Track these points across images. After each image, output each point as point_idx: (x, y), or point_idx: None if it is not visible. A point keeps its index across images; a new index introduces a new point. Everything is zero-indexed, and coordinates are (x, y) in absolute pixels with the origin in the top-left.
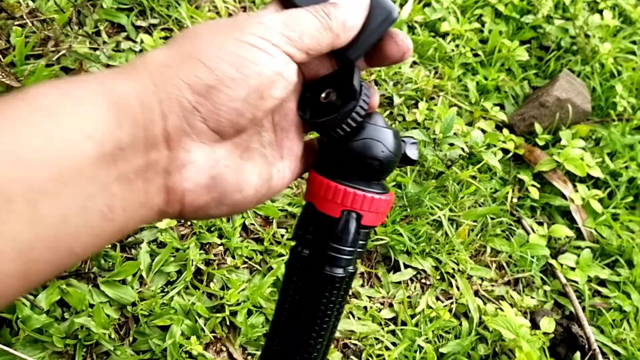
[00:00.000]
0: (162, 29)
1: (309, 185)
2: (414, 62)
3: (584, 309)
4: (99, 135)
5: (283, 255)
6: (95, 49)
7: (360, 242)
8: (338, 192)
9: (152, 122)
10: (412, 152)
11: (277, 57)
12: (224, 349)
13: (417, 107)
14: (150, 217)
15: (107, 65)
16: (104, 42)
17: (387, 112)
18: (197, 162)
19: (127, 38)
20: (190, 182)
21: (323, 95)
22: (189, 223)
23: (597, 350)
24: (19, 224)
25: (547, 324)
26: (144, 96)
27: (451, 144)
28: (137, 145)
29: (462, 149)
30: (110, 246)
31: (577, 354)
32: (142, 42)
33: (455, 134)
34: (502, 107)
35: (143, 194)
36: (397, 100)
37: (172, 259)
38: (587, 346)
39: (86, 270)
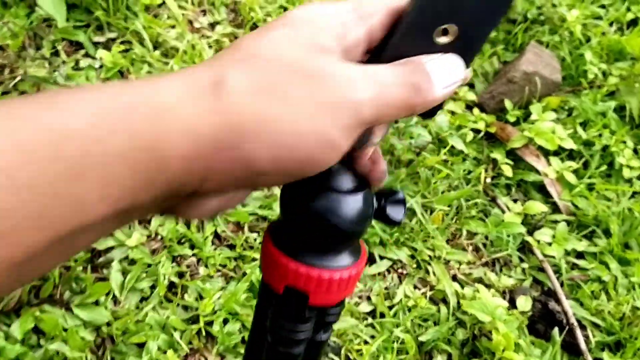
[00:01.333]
0: (121, 42)
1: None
2: None
3: (562, 283)
4: (116, 198)
5: (256, 259)
6: (55, 70)
7: (324, 317)
8: (280, 263)
9: (185, 185)
10: (395, 212)
11: (343, 150)
12: (202, 359)
13: None
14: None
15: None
16: (63, 62)
17: None
18: (210, 204)
19: (86, 55)
20: (195, 214)
21: None
22: (159, 237)
23: (576, 324)
24: None
25: (524, 303)
26: (194, 162)
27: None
28: (158, 200)
29: (429, 137)
30: (80, 268)
31: (555, 330)
32: (101, 58)
33: (417, 122)
34: (472, 86)
35: (141, 213)
36: None
37: (145, 275)
38: (565, 321)
39: (58, 295)
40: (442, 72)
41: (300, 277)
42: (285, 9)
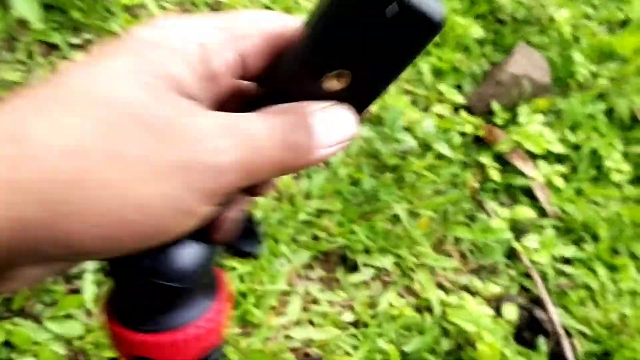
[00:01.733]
0: (99, 44)
1: None
2: None
3: (550, 290)
4: None
5: (236, 268)
6: (30, 73)
7: None
8: (114, 332)
9: None
10: (250, 245)
11: (201, 216)
12: None
13: None
14: None
15: None
16: (39, 65)
17: None
18: (31, 273)
19: (63, 57)
20: (14, 286)
21: None
22: None
23: (562, 333)
24: None
25: (510, 311)
26: None
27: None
28: None
29: (414, 142)
30: (52, 279)
31: (541, 339)
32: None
33: (406, 129)
34: (459, 87)
35: None
36: None
37: None
38: (551, 329)
39: (29, 308)
40: (328, 130)
41: (140, 348)
42: (269, 10)
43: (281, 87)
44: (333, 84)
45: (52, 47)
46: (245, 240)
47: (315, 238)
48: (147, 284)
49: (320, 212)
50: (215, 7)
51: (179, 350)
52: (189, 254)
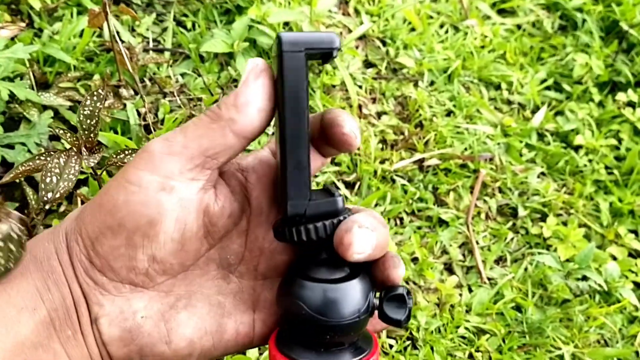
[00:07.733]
0: None
1: None
2: (542, 173)
3: None
4: (31, 304)
5: None
6: None
7: None
8: None
9: (65, 283)
10: (395, 311)
11: (150, 187)
12: None
13: (542, 221)
14: None
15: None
16: None
17: (510, 224)
18: (108, 315)
19: None
20: (105, 335)
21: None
22: None
23: None
24: None
25: None
26: (61, 255)
27: (585, 277)
28: (64, 305)
29: (597, 283)
30: None
31: None
32: None
33: (594, 261)
34: (635, 233)
35: (83, 347)
36: (521, 212)
37: None
38: None
39: None
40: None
41: None
42: (450, 113)
43: None
44: None
45: None
46: (390, 305)
47: (471, 357)
48: (298, 316)
49: (479, 330)
50: (401, 101)
51: None
52: (345, 292)
